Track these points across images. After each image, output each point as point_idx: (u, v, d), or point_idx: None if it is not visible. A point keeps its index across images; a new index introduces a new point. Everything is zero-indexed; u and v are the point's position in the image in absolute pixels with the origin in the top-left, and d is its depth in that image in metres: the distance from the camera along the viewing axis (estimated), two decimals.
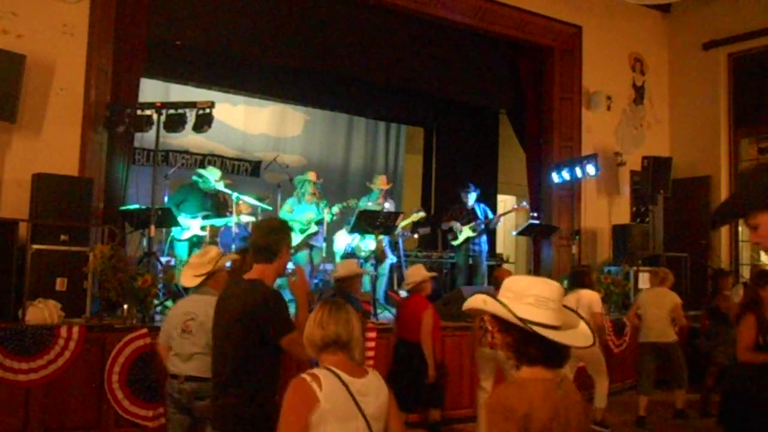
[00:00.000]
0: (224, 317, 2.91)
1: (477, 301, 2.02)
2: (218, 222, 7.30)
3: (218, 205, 7.72)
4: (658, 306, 6.36)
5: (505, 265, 11.05)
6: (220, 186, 7.48)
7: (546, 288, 1.95)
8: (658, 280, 6.61)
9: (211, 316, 3.06)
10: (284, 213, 7.70)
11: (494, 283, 5.80)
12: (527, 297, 1.92)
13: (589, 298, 6.09)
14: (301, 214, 7.55)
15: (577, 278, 6.39)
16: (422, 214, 8.35)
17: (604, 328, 6.52)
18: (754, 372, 3.92)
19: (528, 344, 1.91)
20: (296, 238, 7.50)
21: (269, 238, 2.95)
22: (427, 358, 5.03)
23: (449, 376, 5.83)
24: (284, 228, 3.11)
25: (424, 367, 5.04)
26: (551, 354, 1.92)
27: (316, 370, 2.29)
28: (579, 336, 1.97)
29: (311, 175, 7.83)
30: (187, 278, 3.79)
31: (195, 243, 7.17)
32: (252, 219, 7.64)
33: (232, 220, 7.34)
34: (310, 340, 2.37)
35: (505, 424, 1.83)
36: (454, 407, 6.12)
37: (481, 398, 5.50)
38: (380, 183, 8.35)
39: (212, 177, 7.39)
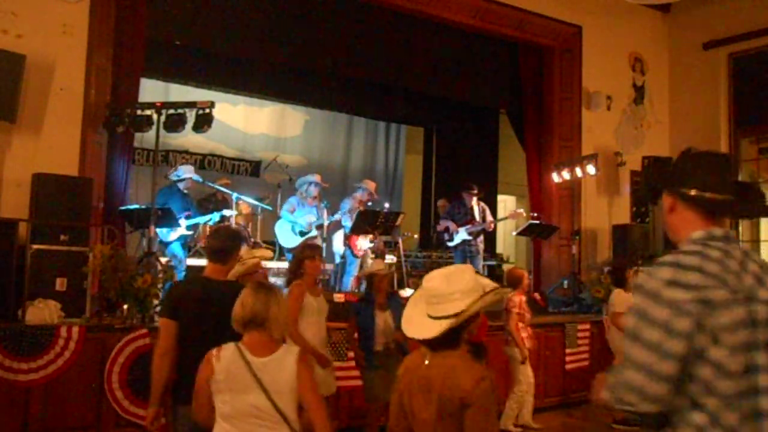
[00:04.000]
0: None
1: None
2: (202, 219, 7.27)
3: (200, 203, 7.70)
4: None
5: (506, 266, 11.08)
6: (198, 178, 7.50)
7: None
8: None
9: None
10: (285, 213, 7.66)
11: (510, 282, 5.71)
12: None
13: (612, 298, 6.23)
14: (303, 216, 7.52)
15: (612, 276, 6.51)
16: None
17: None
18: None
19: None
20: (295, 240, 7.47)
21: (227, 243, 3.30)
22: None
23: None
24: (239, 236, 3.51)
25: None
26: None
27: (224, 346, 2.52)
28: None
29: (317, 178, 7.79)
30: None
31: (184, 244, 7.16)
32: (257, 204, 7.59)
33: (216, 217, 7.33)
34: (234, 318, 2.56)
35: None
36: None
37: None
38: (367, 185, 8.29)
39: (189, 172, 7.38)
